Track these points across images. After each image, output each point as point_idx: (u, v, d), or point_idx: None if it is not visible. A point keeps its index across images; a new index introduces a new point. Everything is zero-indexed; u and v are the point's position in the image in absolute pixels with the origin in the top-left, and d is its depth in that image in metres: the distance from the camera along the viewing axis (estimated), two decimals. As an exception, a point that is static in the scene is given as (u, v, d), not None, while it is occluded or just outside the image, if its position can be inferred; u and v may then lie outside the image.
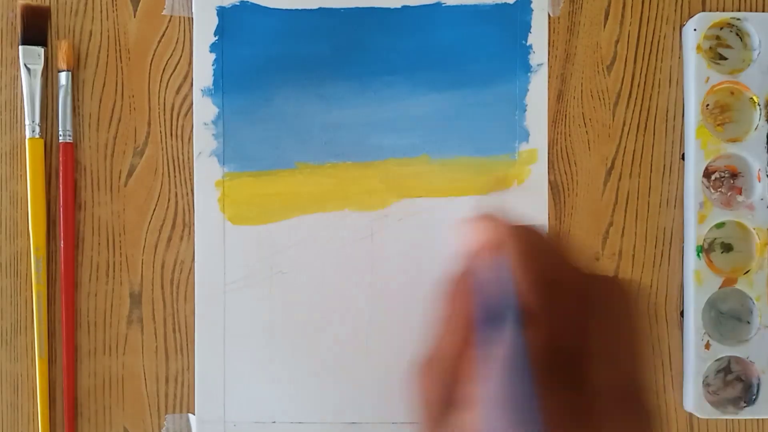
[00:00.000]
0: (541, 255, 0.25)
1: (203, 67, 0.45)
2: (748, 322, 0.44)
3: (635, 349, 0.24)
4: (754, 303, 0.44)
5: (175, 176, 0.46)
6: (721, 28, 0.45)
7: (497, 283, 0.25)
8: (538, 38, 0.45)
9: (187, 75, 0.46)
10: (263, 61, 0.45)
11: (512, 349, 0.23)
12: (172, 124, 0.46)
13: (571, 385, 0.22)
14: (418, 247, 0.45)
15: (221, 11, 0.45)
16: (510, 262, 0.24)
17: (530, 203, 0.45)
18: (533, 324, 0.23)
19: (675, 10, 0.46)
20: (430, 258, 0.45)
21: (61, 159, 0.45)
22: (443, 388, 0.24)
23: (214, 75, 0.45)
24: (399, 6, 0.45)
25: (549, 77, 0.45)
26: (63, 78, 0.45)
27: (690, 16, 0.45)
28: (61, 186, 0.45)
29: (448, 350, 0.25)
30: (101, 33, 0.46)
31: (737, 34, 0.45)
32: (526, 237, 0.25)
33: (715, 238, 0.45)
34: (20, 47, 0.45)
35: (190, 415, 0.45)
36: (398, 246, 0.45)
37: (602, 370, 0.23)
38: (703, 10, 0.45)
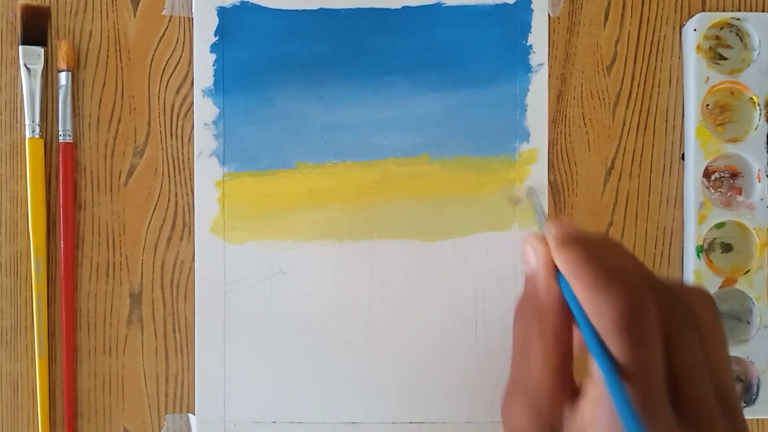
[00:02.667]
0: (622, 269, 0.23)
1: (203, 68, 0.45)
2: (748, 322, 0.44)
3: (726, 358, 0.23)
4: (754, 303, 0.44)
5: (175, 176, 0.46)
6: (721, 28, 0.45)
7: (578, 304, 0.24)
8: (538, 38, 0.45)
9: (187, 75, 0.46)
10: (264, 61, 0.45)
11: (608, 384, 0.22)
12: (172, 124, 0.46)
13: (678, 404, 0.22)
14: (418, 246, 0.45)
15: (221, 11, 0.45)
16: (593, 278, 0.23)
17: (530, 203, 0.45)
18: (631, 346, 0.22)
19: (675, 10, 0.46)
20: (431, 257, 0.45)
21: (61, 159, 0.45)
22: (537, 417, 0.23)
23: (214, 75, 0.45)
24: (399, 6, 0.45)
25: (549, 77, 0.45)
26: (63, 78, 0.45)
27: (690, 16, 0.45)
28: (61, 186, 0.45)
29: (537, 377, 0.24)
30: (101, 33, 0.46)
31: (737, 34, 0.45)
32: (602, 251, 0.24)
33: (715, 238, 0.45)
34: (20, 47, 0.45)
35: (190, 415, 0.45)
36: (399, 246, 0.45)
37: (708, 383, 0.22)
38: (703, 10, 0.45)
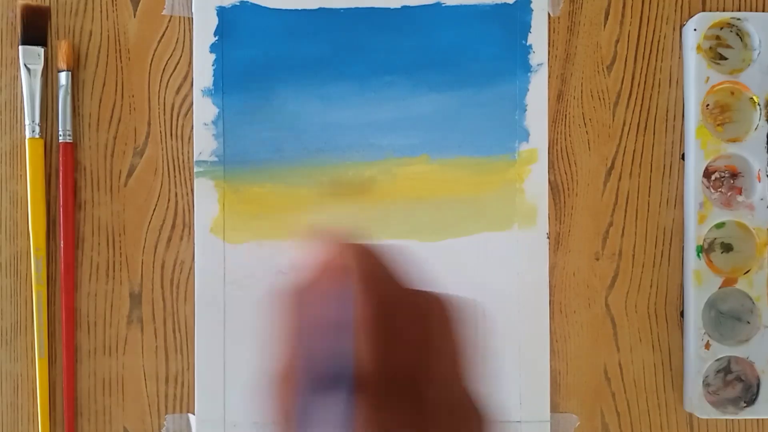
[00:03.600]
0: (377, 273, 0.25)
1: (203, 68, 0.45)
2: (748, 322, 0.44)
3: (458, 359, 0.25)
4: (754, 303, 0.44)
5: (175, 176, 0.46)
6: (721, 28, 0.45)
7: (337, 302, 0.25)
8: (538, 38, 0.45)
9: (187, 75, 0.46)
10: (263, 61, 0.45)
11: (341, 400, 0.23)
12: (172, 124, 0.46)
13: (410, 403, 0.23)
14: (418, 246, 0.45)
15: (221, 11, 0.45)
16: (350, 281, 0.25)
17: (530, 203, 0.45)
18: (366, 356, 0.23)
19: (675, 10, 0.46)
20: (431, 257, 0.45)
21: (61, 159, 0.45)
22: (301, 397, 0.24)
23: (214, 75, 0.45)
24: (399, 6, 0.45)
25: (549, 77, 0.45)
26: (63, 78, 0.45)
27: (690, 16, 0.45)
28: (61, 186, 0.45)
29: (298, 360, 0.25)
30: (101, 33, 0.46)
31: (737, 34, 0.45)
32: (365, 256, 0.26)
33: (715, 238, 0.45)
34: (20, 47, 0.45)
35: (190, 415, 0.45)
36: (399, 246, 0.45)
37: (434, 383, 0.24)
38: (703, 10, 0.45)
